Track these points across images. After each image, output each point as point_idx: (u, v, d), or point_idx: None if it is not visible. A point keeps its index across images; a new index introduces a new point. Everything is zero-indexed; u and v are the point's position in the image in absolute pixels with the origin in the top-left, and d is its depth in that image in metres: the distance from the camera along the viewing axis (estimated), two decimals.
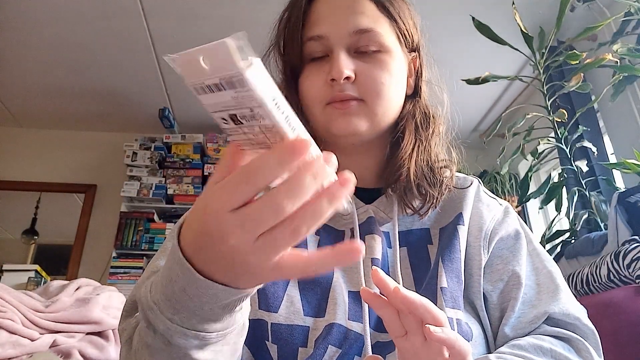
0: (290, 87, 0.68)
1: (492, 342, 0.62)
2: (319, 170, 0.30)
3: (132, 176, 3.20)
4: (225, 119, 0.31)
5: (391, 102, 0.64)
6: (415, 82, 0.71)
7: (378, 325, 0.58)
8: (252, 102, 0.28)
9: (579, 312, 0.61)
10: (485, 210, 0.68)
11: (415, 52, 0.71)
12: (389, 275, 0.59)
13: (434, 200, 0.66)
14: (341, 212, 0.67)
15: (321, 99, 0.64)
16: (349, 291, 0.60)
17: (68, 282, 1.35)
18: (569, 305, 0.61)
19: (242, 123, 0.31)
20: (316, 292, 0.59)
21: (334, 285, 0.60)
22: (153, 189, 3.14)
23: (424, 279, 0.62)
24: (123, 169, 3.24)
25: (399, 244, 0.65)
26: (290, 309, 0.58)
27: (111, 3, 2.39)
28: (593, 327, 0.60)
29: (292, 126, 0.30)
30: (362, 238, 0.64)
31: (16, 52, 2.75)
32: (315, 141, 0.57)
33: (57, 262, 3.32)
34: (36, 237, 3.50)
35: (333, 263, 0.32)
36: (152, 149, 3.27)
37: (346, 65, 0.60)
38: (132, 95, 3.17)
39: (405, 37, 0.68)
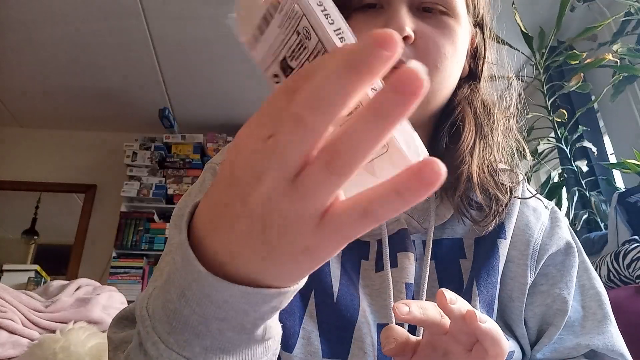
0: None
1: None
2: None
3: (132, 176, 3.20)
4: (276, 75, 0.25)
5: (448, 80, 0.52)
6: (471, 64, 0.58)
7: None
8: (296, 14, 0.23)
9: (622, 346, 0.53)
10: (531, 216, 0.57)
11: (477, 27, 0.58)
12: (414, 295, 0.51)
13: (502, 208, 0.53)
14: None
15: None
16: (377, 324, 0.50)
17: (68, 282, 1.35)
18: (615, 338, 0.53)
19: (292, 69, 0.24)
20: (338, 327, 0.49)
21: (360, 321, 0.49)
22: (153, 189, 3.14)
23: None
24: (123, 169, 3.24)
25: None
26: (307, 348, 0.48)
27: (111, 3, 2.39)
28: None
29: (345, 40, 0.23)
30: (394, 255, 0.52)
31: (16, 52, 2.75)
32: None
33: (57, 262, 3.31)
34: (36, 237, 3.50)
35: (404, 195, 0.20)
36: (152, 149, 3.26)
37: (407, 21, 0.48)
38: (132, 95, 3.17)
39: (474, 7, 0.56)
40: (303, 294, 0.50)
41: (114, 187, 3.26)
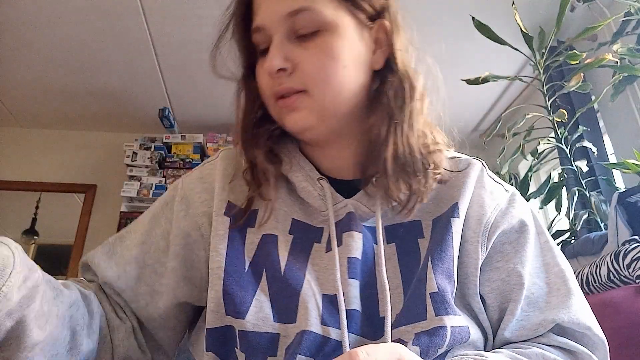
0: (252, 85, 0.62)
1: (492, 346, 0.56)
2: None
3: (132, 176, 3.19)
4: None
5: (341, 88, 0.56)
6: (387, 52, 0.60)
7: (362, 329, 0.52)
8: None
9: (590, 320, 0.55)
10: (487, 198, 0.60)
11: (379, 18, 0.60)
12: (373, 275, 0.56)
13: (420, 194, 0.58)
14: (317, 207, 0.61)
15: (269, 95, 0.58)
16: (323, 294, 0.54)
17: None
18: (581, 312, 0.55)
19: None
20: (285, 296, 0.54)
21: (304, 290, 0.54)
22: (153, 189, 3.13)
23: (413, 278, 0.55)
24: (123, 169, 3.24)
25: (387, 240, 0.58)
26: (259, 314, 0.52)
27: (111, 3, 2.39)
28: (603, 337, 0.55)
29: None
30: (340, 236, 0.57)
31: (16, 52, 2.75)
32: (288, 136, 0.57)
33: (57, 262, 3.31)
34: (36, 237, 3.50)
35: None
36: (152, 149, 3.26)
37: (276, 57, 0.55)
38: (132, 95, 3.17)
39: (358, 5, 0.58)
40: (255, 273, 0.56)
41: (114, 187, 3.26)
